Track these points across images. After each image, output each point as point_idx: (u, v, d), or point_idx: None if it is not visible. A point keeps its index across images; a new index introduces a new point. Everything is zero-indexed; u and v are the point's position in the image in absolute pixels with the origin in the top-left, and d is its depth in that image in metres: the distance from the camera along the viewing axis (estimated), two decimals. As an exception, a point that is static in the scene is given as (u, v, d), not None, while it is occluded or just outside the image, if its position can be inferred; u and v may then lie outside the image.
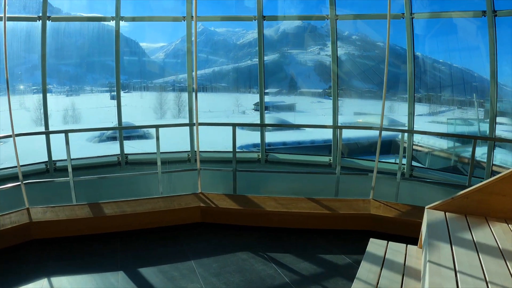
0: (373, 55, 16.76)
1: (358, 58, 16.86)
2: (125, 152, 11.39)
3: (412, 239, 5.68)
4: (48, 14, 9.98)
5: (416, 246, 5.36)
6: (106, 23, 11.03)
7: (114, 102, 17.74)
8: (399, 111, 15.67)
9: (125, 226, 7.75)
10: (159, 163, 8.42)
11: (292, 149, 16.56)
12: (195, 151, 10.23)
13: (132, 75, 18.43)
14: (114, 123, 12.48)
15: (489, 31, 9.06)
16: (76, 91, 17.88)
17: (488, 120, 10.53)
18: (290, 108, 18.48)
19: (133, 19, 10.68)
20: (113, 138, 15.45)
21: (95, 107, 17.67)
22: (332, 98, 10.88)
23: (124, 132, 13.06)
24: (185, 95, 14.61)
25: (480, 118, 13.37)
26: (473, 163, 8.27)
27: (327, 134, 13.07)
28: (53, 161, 10.83)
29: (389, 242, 5.44)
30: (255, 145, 12.98)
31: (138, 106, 18.08)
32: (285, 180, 10.59)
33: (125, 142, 13.04)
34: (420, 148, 13.27)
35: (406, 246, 5.36)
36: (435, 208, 5.21)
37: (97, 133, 16.65)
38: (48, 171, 10.79)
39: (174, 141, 11.80)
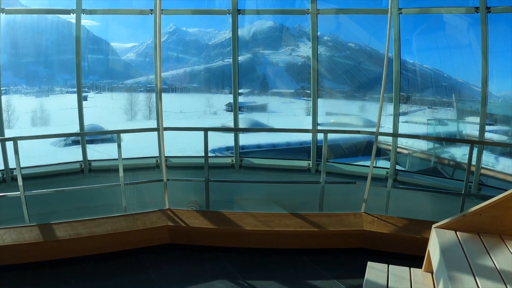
0: (344, 56, 15.58)
1: (329, 59, 15.26)
2: (89, 158, 9.84)
3: (411, 257, 5.11)
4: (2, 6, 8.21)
5: (420, 270, 4.46)
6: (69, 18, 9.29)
7: (85, 103, 16.35)
8: (371, 111, 15.06)
9: (81, 250, 6.18)
10: (121, 173, 6.78)
11: (267, 152, 15.02)
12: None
13: (103, 75, 17.19)
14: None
15: (482, 29, 7.63)
16: (45, 92, 16.49)
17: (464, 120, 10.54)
18: (262, 108, 17.21)
19: (95, 11, 9.01)
20: (76, 142, 13.72)
21: (65, 108, 15.25)
22: (312, 98, 9.35)
23: (89, 135, 11.54)
24: (154, 96, 13.64)
25: (453, 118, 12.47)
26: (469, 169, 6.88)
27: (304, 136, 11.70)
28: (10, 169, 9.13)
29: (390, 266, 4.47)
30: (228, 148, 11.45)
31: (109, 107, 16.71)
32: (263, 189, 9.37)
33: (91, 147, 12.13)
34: (400, 150, 11.86)
35: (410, 270, 4.43)
36: (445, 227, 4.28)
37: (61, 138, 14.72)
38: (5, 180, 9.14)
39: (143, 145, 10.20)
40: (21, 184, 6.52)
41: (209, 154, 7.75)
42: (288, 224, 6.45)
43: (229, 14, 8.99)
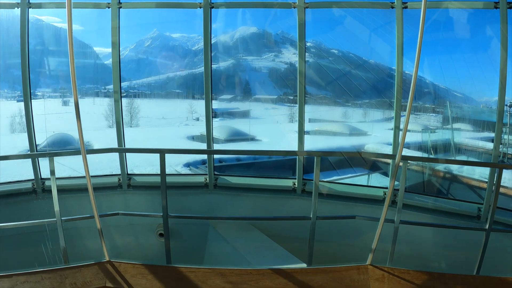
0: (327, 62, 13.87)
1: (312, 65, 13.50)
2: (43, 177, 7.38)
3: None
4: None
5: None
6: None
7: (66, 108, 14.32)
8: (353, 117, 13.95)
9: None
10: (56, 207, 4.41)
11: (247, 167, 12.62)
12: (126, 174, 7.08)
13: (85, 80, 15.14)
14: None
15: (502, 28, 5.42)
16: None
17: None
18: (245, 114, 15.86)
19: (42, 5, 6.76)
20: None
21: (46, 114, 13.27)
22: (298, 105, 6.83)
23: (57, 145, 9.49)
24: (137, 102, 12.00)
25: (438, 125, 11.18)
26: (496, 201, 4.57)
27: (288, 148, 9.62)
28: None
29: None
30: (204, 162, 8.99)
31: (90, 113, 14.45)
32: (243, 210, 7.20)
33: (59, 159, 9.54)
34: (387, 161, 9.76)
35: None
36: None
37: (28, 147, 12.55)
38: None
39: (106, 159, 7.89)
40: None
41: (182, 169, 5.47)
42: (269, 287, 4.02)
43: (200, 8, 6.54)
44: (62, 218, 4.69)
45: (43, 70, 12.96)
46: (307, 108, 13.84)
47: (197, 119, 15.91)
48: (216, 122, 15.68)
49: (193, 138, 13.31)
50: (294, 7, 6.39)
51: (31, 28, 11.02)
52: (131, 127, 15.21)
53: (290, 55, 14.50)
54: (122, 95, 14.07)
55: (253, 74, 15.74)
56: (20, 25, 6.71)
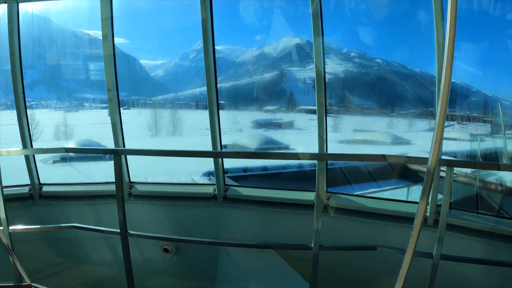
0: (372, 72, 13.28)
1: (356, 75, 13.50)
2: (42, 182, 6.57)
3: None
4: None
5: None
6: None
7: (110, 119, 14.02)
8: (398, 127, 12.61)
9: None
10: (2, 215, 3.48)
11: (271, 177, 11.51)
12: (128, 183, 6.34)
13: (132, 92, 14.98)
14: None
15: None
16: (75, 107, 14.60)
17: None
18: (289, 125, 14.94)
19: None
20: (64, 160, 11.13)
21: (93, 124, 13.59)
22: (317, 114, 5.54)
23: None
24: (181, 112, 11.31)
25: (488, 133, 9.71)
26: None
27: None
28: None
29: None
30: (226, 172, 7.97)
31: (135, 123, 14.03)
32: (258, 229, 5.90)
33: (78, 165, 10.67)
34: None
35: None
36: None
37: (53, 154, 12.07)
38: None
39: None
40: None
41: (200, 179, 4.52)
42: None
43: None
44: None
45: (89, 82, 12.71)
46: (352, 119, 12.92)
47: (241, 130, 15.20)
48: (260, 133, 15.03)
49: (225, 147, 12.53)
50: None
51: (79, 41, 10.68)
52: (173, 136, 14.88)
53: (334, 65, 13.51)
54: (167, 106, 13.66)
55: (297, 85, 14.89)
56: (7, 21, 5.83)
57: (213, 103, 5.91)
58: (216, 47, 6.90)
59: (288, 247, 5.13)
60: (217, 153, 6.12)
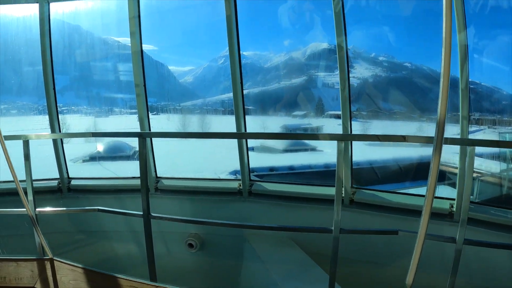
0: (401, 76, 13.42)
1: (385, 80, 13.65)
2: (83, 176, 7.07)
3: None
4: None
5: None
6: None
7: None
8: (428, 132, 11.85)
9: None
10: (30, 196, 3.66)
11: (298, 175, 11.61)
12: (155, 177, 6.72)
13: (161, 97, 15.19)
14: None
15: None
16: (105, 113, 14.56)
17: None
18: (317, 130, 14.60)
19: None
20: (93, 159, 11.42)
21: (122, 128, 13.57)
22: (341, 89, 6.44)
23: (109, 151, 10.94)
24: (210, 118, 12.62)
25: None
26: None
27: (331, 157, 8.61)
28: None
29: None
30: (253, 170, 8.05)
31: (164, 128, 14.04)
32: (281, 221, 6.03)
33: (107, 164, 10.86)
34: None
35: None
36: None
37: (82, 153, 12.62)
38: None
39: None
40: None
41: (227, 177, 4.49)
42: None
43: (220, -10, 5.71)
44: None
45: (120, 89, 12.95)
46: (380, 124, 12.84)
47: (270, 135, 15.01)
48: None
49: (253, 149, 12.63)
50: None
51: (109, 49, 10.97)
52: (202, 140, 14.56)
53: (363, 70, 13.45)
54: (196, 111, 13.88)
55: (325, 90, 14.71)
56: (39, 22, 6.10)
57: (238, 98, 6.07)
58: (244, 53, 7.03)
59: (308, 229, 5.19)
60: (240, 134, 6.28)
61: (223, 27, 6.05)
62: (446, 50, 1.65)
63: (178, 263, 6.26)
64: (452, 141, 4.12)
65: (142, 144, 3.91)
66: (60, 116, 8.20)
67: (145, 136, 4.11)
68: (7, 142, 3.41)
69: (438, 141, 1.80)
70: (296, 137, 9.34)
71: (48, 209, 3.99)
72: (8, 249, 5.04)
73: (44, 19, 6.16)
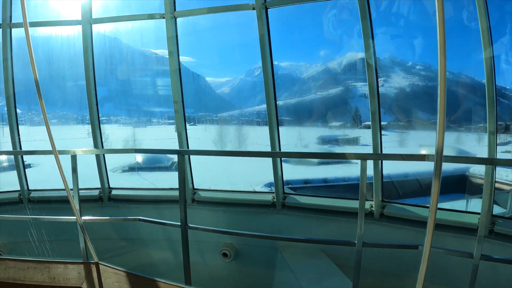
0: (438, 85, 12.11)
1: (423, 89, 13.64)
2: (123, 186, 7.44)
3: None
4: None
5: None
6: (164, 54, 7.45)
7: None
8: (467, 142, 12.22)
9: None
10: (76, 206, 4.04)
11: (330, 188, 11.71)
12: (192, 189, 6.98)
13: (198, 108, 15.66)
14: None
15: None
16: (143, 123, 15.22)
17: None
18: (354, 141, 14.87)
19: (102, 20, 6.49)
20: (132, 169, 11.70)
21: (160, 139, 14.26)
22: (369, 98, 5.91)
23: (147, 162, 9.39)
24: (247, 128, 11.93)
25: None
26: None
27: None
28: (30, 190, 7.39)
29: None
30: (288, 183, 8.25)
31: (201, 139, 14.52)
32: (313, 233, 6.20)
33: (146, 174, 11.29)
34: (498, 185, 8.14)
35: None
36: None
37: (121, 163, 12.87)
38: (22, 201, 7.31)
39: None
40: None
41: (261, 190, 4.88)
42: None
43: (253, 9, 5.94)
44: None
45: (157, 99, 13.32)
46: (418, 134, 12.80)
47: (306, 146, 15.19)
48: (325, 149, 15.12)
49: (288, 161, 12.84)
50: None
51: (147, 60, 11.39)
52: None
53: (400, 79, 13.50)
54: (233, 122, 14.14)
55: (362, 100, 14.70)
56: (82, 41, 6.52)
57: (272, 114, 6.33)
58: (280, 64, 7.24)
59: (333, 242, 5.40)
60: (273, 153, 6.54)
61: (256, 33, 6.31)
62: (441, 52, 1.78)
63: (212, 272, 6.53)
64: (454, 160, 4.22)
65: (182, 161, 4.25)
66: (104, 126, 8.65)
67: (183, 153, 4.44)
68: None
69: (438, 164, 1.98)
70: (323, 157, 9.56)
71: (94, 217, 4.37)
72: (55, 252, 5.43)
73: (87, 37, 6.59)
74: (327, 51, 14.13)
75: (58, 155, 3.40)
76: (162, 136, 14.14)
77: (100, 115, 8.28)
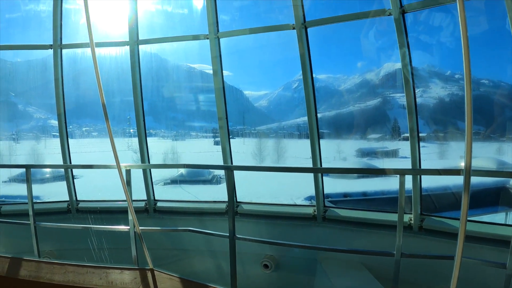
0: (478, 94, 12.68)
1: (462, 98, 12.02)
2: (172, 199, 7.57)
3: None
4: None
5: None
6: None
7: (218, 147, 15.04)
8: (509, 153, 12.28)
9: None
10: (132, 215, 4.40)
11: (365, 202, 11.77)
12: (235, 202, 6.90)
13: (237, 121, 16.01)
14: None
15: None
16: (181, 136, 15.94)
17: None
18: (393, 154, 14.81)
19: (148, 41, 6.81)
20: (174, 182, 12.03)
21: (198, 152, 14.68)
22: (407, 115, 6.02)
23: (190, 175, 9.76)
24: (284, 141, 11.93)
25: None
26: None
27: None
28: (78, 201, 7.62)
29: None
30: (328, 196, 8.44)
31: (240, 152, 14.63)
32: (353, 246, 6.23)
33: (188, 187, 11.33)
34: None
35: None
36: None
37: (163, 176, 13.13)
38: (70, 211, 7.57)
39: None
40: (32, 213, 5.10)
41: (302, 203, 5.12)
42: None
43: (293, 29, 6.20)
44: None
45: (196, 113, 13.65)
46: (458, 145, 12.65)
47: (344, 159, 15.23)
48: (364, 162, 15.12)
49: (328, 175, 12.99)
50: (390, 15, 5.77)
51: (186, 74, 11.78)
52: (278, 164, 15.07)
53: (438, 89, 13.50)
54: (271, 135, 14.28)
55: (401, 111, 14.39)
56: (130, 61, 6.92)
57: (314, 131, 6.58)
58: (317, 76, 7.46)
59: (372, 253, 5.56)
60: (316, 169, 6.75)
61: (295, 50, 6.54)
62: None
63: (253, 283, 6.76)
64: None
65: (230, 176, 4.53)
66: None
67: (232, 169, 4.69)
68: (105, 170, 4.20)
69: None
70: (364, 172, 9.76)
71: (149, 228, 4.72)
72: (101, 258, 5.78)
73: (134, 56, 6.96)
74: (364, 62, 14.19)
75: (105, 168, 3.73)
76: (201, 149, 14.48)
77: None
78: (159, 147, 14.30)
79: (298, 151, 15.13)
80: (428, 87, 14.11)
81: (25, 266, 4.53)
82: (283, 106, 16.36)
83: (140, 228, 4.23)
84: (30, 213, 5.04)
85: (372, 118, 15.11)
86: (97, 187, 8.94)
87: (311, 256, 6.37)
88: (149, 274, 4.22)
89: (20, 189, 10.31)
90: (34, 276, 4.21)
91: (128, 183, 4.38)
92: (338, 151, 15.11)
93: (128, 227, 4.43)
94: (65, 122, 7.39)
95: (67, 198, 7.61)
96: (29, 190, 5.08)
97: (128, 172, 4.41)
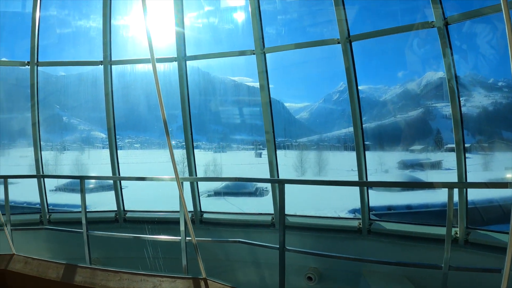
0: None
1: (507, 107, 13.19)
2: (222, 211, 7.98)
3: None
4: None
5: None
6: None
7: (259, 159, 15.06)
8: None
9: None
10: (182, 227, 4.67)
11: (409, 215, 11.64)
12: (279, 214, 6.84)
13: (278, 134, 15.03)
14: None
15: None
16: (222, 148, 16.40)
17: None
18: (437, 165, 14.59)
19: (196, 57, 7.10)
20: (218, 194, 12.26)
21: (240, 164, 15.13)
22: (453, 128, 6.10)
23: (233, 188, 10.04)
24: (326, 153, 12.04)
25: None
26: None
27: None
28: (125, 211, 8.07)
29: None
30: (372, 209, 8.45)
31: (281, 164, 14.67)
32: (397, 259, 6.29)
33: (231, 199, 11.62)
34: None
35: None
36: None
37: (207, 188, 13.38)
38: (117, 220, 8.02)
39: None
40: (85, 222, 5.47)
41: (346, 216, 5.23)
42: None
43: (338, 43, 6.36)
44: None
45: (237, 125, 13.86)
46: (504, 156, 12.35)
47: (386, 171, 15.20)
48: (407, 174, 14.96)
49: (371, 187, 12.93)
50: (433, 27, 5.86)
51: (227, 87, 12.00)
52: (318, 176, 15.16)
53: (482, 98, 13.22)
54: (313, 147, 14.37)
55: (443, 121, 14.64)
56: (178, 76, 7.18)
57: (360, 144, 6.69)
58: (358, 88, 7.63)
59: (420, 266, 5.58)
60: (362, 183, 6.84)
61: (337, 64, 6.68)
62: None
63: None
64: None
65: (282, 189, 4.69)
66: (179, 151, 9.22)
67: (283, 182, 4.84)
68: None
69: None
70: (411, 186, 9.70)
71: (203, 239, 4.93)
72: (146, 266, 6.02)
73: (182, 71, 7.23)
74: (405, 71, 14.05)
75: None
76: (242, 161, 14.67)
77: (181, 140, 8.87)
78: (201, 159, 14.26)
79: (339, 163, 15.12)
80: (471, 96, 13.90)
81: (80, 272, 4.86)
82: (323, 118, 16.41)
83: (198, 239, 4.43)
84: (84, 221, 5.36)
85: (414, 129, 14.92)
86: (141, 197, 9.23)
87: (356, 270, 6.44)
88: (202, 283, 4.41)
89: (67, 198, 10.68)
90: (89, 282, 4.47)
91: (181, 196, 4.59)
92: (380, 163, 15.04)
93: (179, 238, 4.65)
94: (115, 136, 7.70)
95: (114, 208, 7.92)
96: (83, 200, 5.39)
97: (181, 184, 4.63)
